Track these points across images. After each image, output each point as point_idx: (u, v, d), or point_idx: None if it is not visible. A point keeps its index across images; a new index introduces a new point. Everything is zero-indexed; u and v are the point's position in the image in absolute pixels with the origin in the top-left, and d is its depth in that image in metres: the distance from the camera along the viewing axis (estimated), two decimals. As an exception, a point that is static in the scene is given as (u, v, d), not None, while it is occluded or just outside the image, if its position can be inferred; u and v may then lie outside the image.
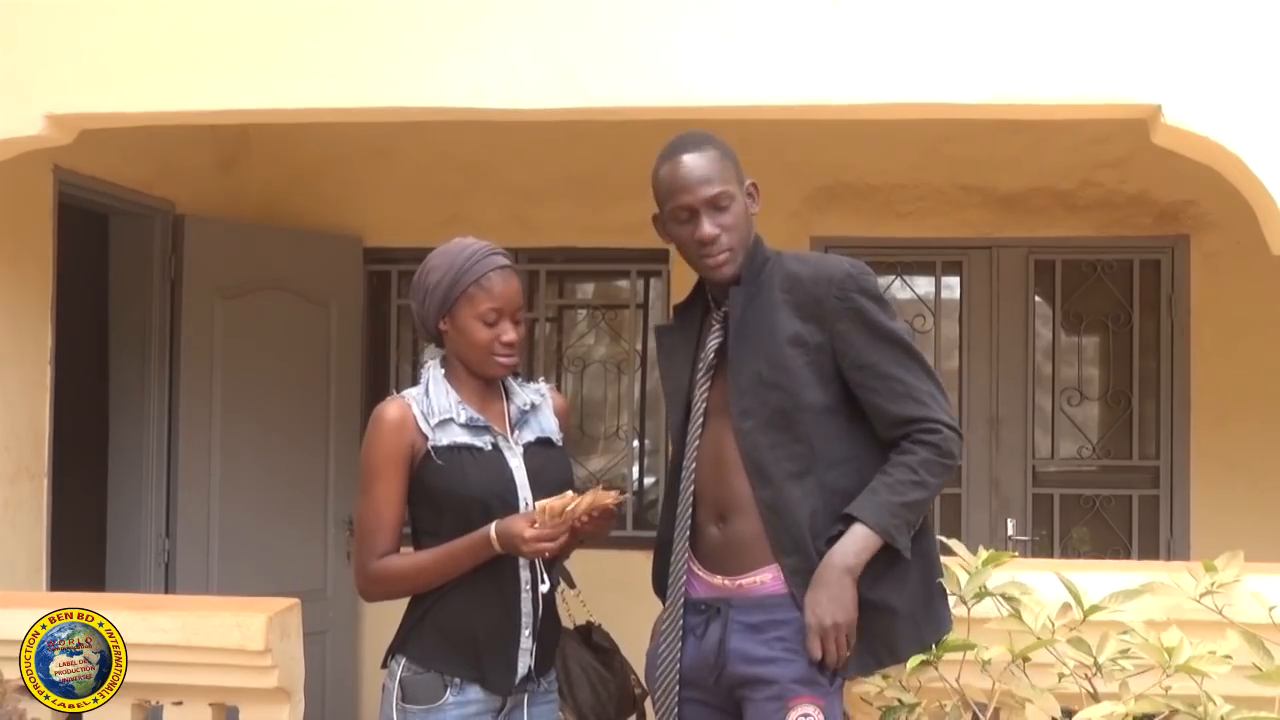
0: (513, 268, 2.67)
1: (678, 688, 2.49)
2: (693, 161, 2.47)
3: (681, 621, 2.50)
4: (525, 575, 2.60)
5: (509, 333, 2.61)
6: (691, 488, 2.51)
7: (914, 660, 2.47)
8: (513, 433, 2.67)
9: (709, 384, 2.53)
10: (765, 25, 3.44)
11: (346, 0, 3.60)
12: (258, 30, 3.60)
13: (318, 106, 3.63)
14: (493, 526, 2.51)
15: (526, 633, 2.61)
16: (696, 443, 2.51)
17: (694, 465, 2.51)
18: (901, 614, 2.45)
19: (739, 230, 2.48)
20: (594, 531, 2.58)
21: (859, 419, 2.47)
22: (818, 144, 5.11)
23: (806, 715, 2.38)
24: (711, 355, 2.53)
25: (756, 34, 3.44)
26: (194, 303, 5.07)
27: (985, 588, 2.59)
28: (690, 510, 2.51)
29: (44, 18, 3.65)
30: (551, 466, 2.68)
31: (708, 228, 2.45)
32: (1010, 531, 5.28)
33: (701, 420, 2.52)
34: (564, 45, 3.50)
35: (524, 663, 2.61)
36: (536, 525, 2.46)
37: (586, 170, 5.43)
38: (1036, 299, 5.47)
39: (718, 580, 2.49)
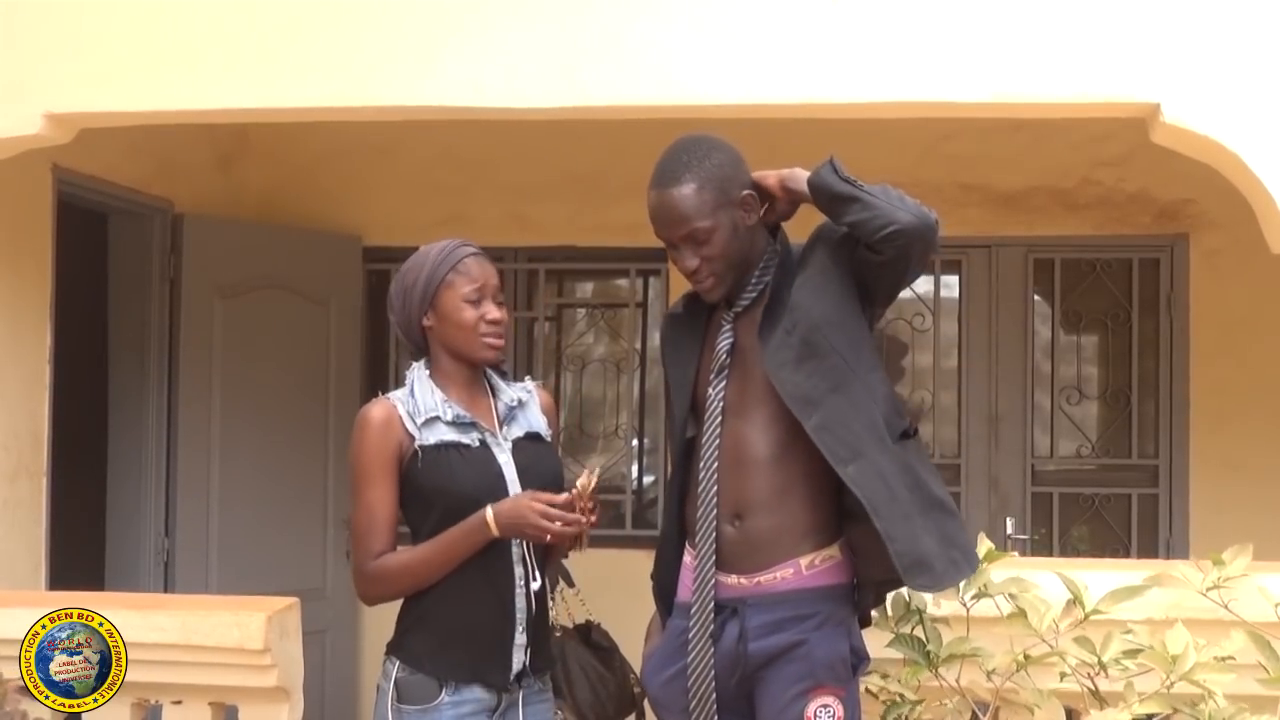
0: (485, 256, 2.71)
1: (714, 695, 2.45)
2: (667, 200, 2.47)
3: (712, 627, 2.46)
4: (519, 571, 2.61)
5: (493, 311, 2.64)
6: (715, 488, 2.48)
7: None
8: (501, 429, 2.67)
9: (724, 383, 2.52)
10: (764, 24, 3.44)
11: (346, -1, 3.61)
12: (257, 29, 3.60)
13: (317, 105, 3.63)
14: (489, 509, 2.51)
15: (521, 629, 2.61)
16: (716, 442, 2.50)
17: (715, 465, 2.50)
18: (953, 512, 2.46)
19: (725, 256, 2.51)
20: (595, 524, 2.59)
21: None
22: (816, 143, 5.06)
23: (826, 706, 2.38)
24: (724, 356, 2.52)
25: (755, 33, 3.44)
26: (193, 302, 5.07)
27: (986, 586, 2.59)
28: (714, 511, 2.49)
29: (43, 17, 3.64)
30: (541, 461, 2.68)
31: (688, 261, 2.51)
32: (1009, 530, 5.26)
33: (719, 420, 2.51)
34: (564, 44, 3.50)
35: (519, 659, 2.61)
36: (566, 509, 2.46)
37: (586, 169, 5.42)
38: (1035, 298, 5.47)
39: (733, 580, 2.47)
